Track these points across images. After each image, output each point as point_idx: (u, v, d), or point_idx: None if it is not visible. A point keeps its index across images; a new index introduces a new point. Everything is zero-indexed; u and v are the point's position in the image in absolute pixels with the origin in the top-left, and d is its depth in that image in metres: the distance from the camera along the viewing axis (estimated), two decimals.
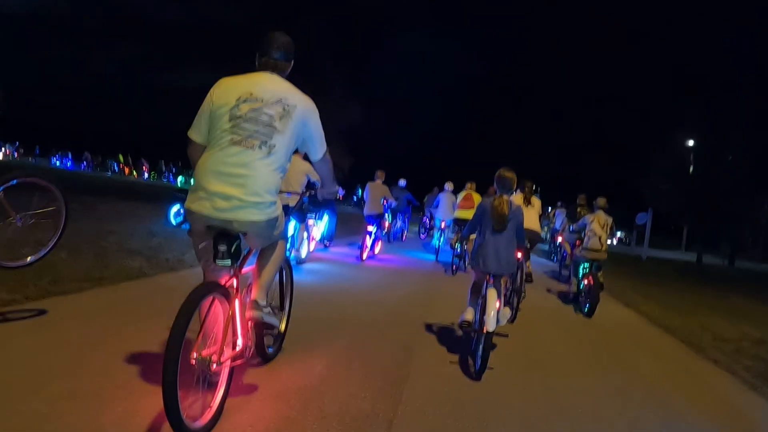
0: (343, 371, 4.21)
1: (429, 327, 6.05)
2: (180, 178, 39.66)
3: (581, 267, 8.64)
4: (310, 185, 8.07)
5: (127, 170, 46.44)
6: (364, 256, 11.24)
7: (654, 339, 7.54)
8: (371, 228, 11.60)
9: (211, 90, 3.13)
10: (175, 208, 12.07)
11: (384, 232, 13.86)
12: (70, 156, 49.77)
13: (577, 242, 9.35)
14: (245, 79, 3.15)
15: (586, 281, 8.29)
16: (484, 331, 4.50)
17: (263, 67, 3.22)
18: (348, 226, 16.78)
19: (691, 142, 26.70)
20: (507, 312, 4.95)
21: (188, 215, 3.04)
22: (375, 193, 11.82)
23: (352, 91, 29.08)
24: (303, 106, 3.18)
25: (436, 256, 13.25)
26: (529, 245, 7.77)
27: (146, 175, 47.15)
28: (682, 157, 27.11)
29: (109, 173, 44.26)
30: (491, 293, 4.73)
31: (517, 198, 7.83)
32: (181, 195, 12.22)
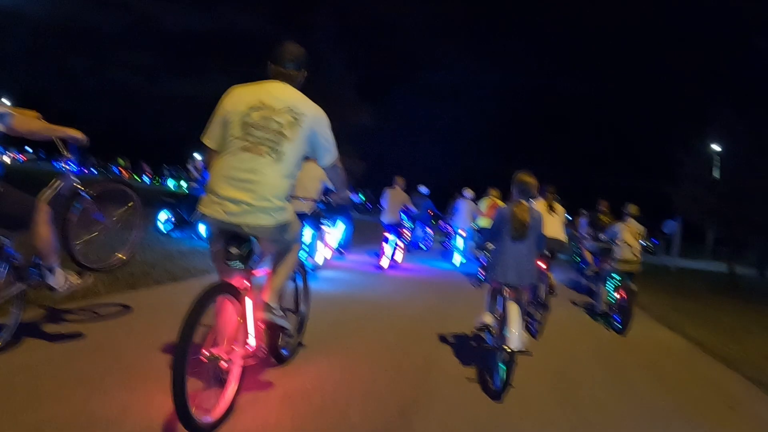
0: (358, 380, 4.18)
1: (447, 339, 5.83)
2: (171, 182, 39.41)
3: (612, 279, 7.74)
4: (326, 191, 7.96)
5: (126, 174, 47.21)
6: (383, 263, 11.05)
7: (707, 370, 6.42)
8: (390, 236, 11.34)
9: (223, 97, 3.28)
10: (163, 215, 11.27)
11: (403, 240, 12.98)
12: (74, 160, 50.01)
13: (608, 260, 8.36)
14: (256, 88, 3.28)
15: (618, 295, 7.40)
16: (506, 348, 4.17)
17: (275, 76, 3.36)
18: (363, 234, 16.23)
19: (720, 147, 25.25)
20: (525, 338, 4.38)
21: (202, 218, 3.18)
22: (394, 200, 11.51)
23: (366, 96, 28.63)
24: (312, 115, 3.29)
25: (456, 266, 12.35)
26: (552, 255, 7.33)
27: (148, 179, 47.24)
28: (711, 162, 25.67)
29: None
30: (513, 308, 4.40)
31: (538, 204, 6.98)
32: (169, 200, 11.65)
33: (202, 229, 10.68)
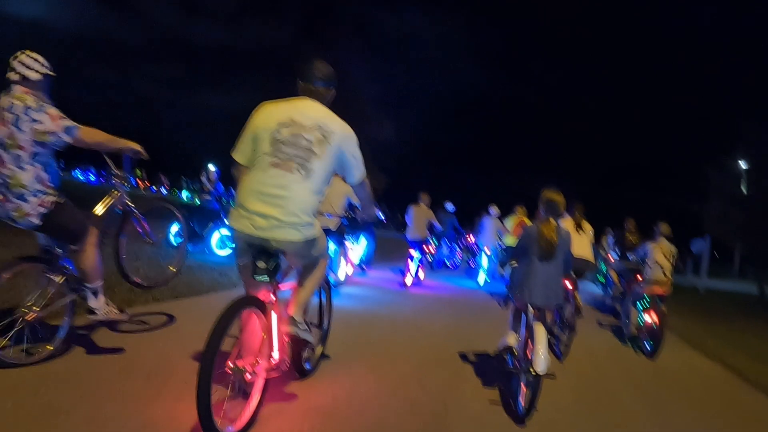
0: (380, 398, 4.15)
1: (470, 359, 5.73)
2: (185, 194, 39.66)
3: (641, 301, 7.39)
4: (350, 207, 7.94)
5: (141, 184, 48.33)
6: (408, 281, 10.92)
7: (748, 400, 6.04)
8: (414, 253, 11.21)
9: (253, 113, 3.33)
10: (174, 227, 10.42)
11: (428, 258, 12.66)
12: (92, 170, 51.62)
13: (638, 276, 7.98)
14: (286, 105, 3.34)
15: (648, 318, 7.03)
16: (532, 371, 4.03)
17: (304, 94, 3.41)
18: (385, 250, 15.75)
19: (748, 163, 24.43)
20: (549, 360, 4.23)
21: (230, 232, 3.27)
22: (419, 217, 11.36)
23: (390, 112, 28.81)
24: (341, 132, 3.34)
25: (480, 285, 12.09)
26: (579, 275, 7.20)
27: (165, 190, 47.95)
28: (740, 178, 24.86)
29: (128, 187, 45.93)
30: (539, 329, 4.23)
31: (566, 222, 6.68)
32: (177, 213, 11.08)
33: (213, 242, 10.57)
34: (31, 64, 3.59)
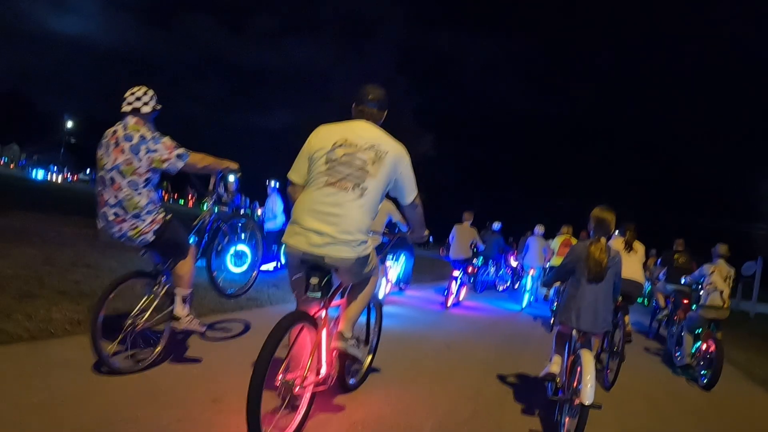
0: (418, 420, 4.09)
1: (512, 384, 5.52)
2: (203, 205, 40.29)
3: (695, 327, 6.90)
4: (391, 226, 7.88)
5: (166, 196, 51.46)
6: (449, 302, 10.64)
7: None
8: (457, 273, 10.96)
9: (310, 136, 3.46)
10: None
11: (470, 278, 12.24)
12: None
13: (685, 300, 7.43)
14: (341, 126, 3.46)
15: (704, 345, 6.49)
16: (577, 402, 3.75)
17: (359, 116, 3.53)
18: (424, 269, 15.39)
19: None
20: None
21: (285, 249, 3.36)
22: (462, 236, 11.11)
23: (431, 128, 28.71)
24: (395, 152, 3.42)
25: (523, 307, 12.08)
26: (629, 298, 6.74)
27: (190, 202, 49.72)
28: None
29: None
30: (586, 356, 3.93)
31: (616, 242, 6.24)
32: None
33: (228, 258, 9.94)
34: (143, 98, 3.95)
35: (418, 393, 4.69)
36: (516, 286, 17.10)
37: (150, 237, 3.92)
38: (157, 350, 4.21)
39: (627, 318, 6.40)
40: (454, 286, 10.75)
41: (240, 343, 5.37)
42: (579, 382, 3.83)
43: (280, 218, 11.34)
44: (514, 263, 16.64)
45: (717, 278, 7.23)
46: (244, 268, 5.95)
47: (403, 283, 11.53)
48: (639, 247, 7.06)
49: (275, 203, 11.25)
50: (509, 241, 17.00)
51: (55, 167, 64.80)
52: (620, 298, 6.14)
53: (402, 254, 10.98)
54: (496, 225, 15.08)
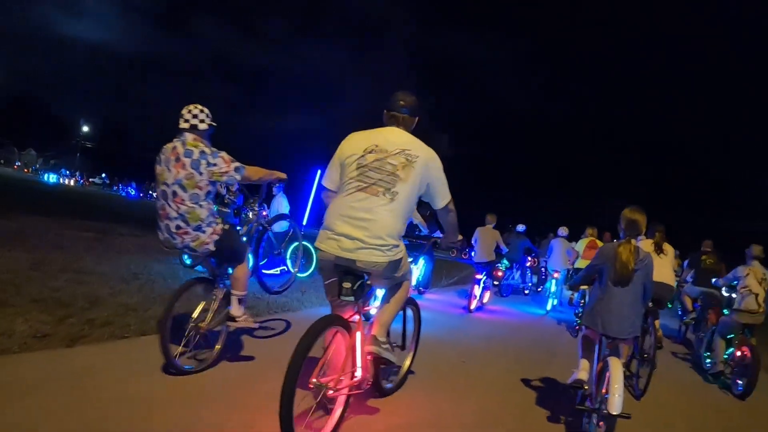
0: (447, 427, 4.08)
1: (537, 390, 5.39)
2: (248, 211, 40.08)
3: (728, 332, 6.62)
4: (411, 228, 7.91)
5: None
6: (472, 306, 10.49)
7: None
8: (480, 276, 10.80)
9: (342, 143, 3.51)
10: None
11: (494, 282, 11.96)
12: (134, 185, 54.39)
13: (715, 312, 7.10)
14: (372, 133, 3.50)
15: (738, 352, 6.20)
16: (605, 411, 3.62)
17: (390, 122, 3.57)
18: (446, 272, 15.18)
19: None
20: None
21: (317, 254, 3.40)
22: (485, 239, 10.96)
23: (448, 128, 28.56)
24: (425, 157, 3.44)
25: (549, 311, 12.01)
26: (660, 302, 6.50)
27: None
28: None
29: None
30: (615, 364, 3.77)
31: (644, 244, 5.97)
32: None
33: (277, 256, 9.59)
34: (199, 116, 4.18)
35: (444, 399, 4.62)
36: (539, 289, 16.77)
37: (211, 247, 4.19)
38: (216, 350, 4.47)
39: (657, 323, 6.14)
40: (477, 290, 10.62)
41: (286, 340, 5.53)
42: (607, 391, 3.69)
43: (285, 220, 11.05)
44: (535, 263, 16.34)
45: (752, 281, 6.97)
46: (288, 267, 6.41)
47: (422, 287, 11.42)
48: (669, 249, 6.85)
49: (281, 204, 11.06)
50: (535, 242, 16.59)
51: (68, 171, 65.89)
52: (651, 302, 5.90)
53: (421, 258, 10.87)
54: (521, 227, 14.75)
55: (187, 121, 4.14)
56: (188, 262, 9.29)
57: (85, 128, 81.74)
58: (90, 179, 69.56)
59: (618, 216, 4.39)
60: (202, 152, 4.05)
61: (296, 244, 6.19)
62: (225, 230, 4.26)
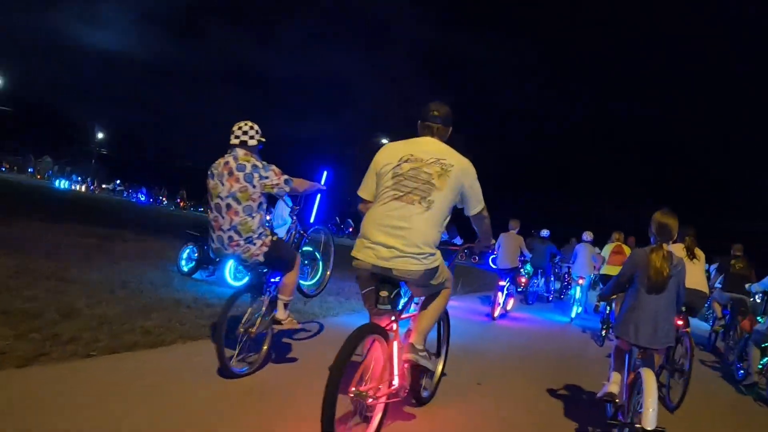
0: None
1: (568, 402, 5.23)
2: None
3: (762, 341, 6.60)
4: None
5: (183, 204, 52.89)
6: (496, 313, 10.36)
7: None
8: (503, 283, 10.69)
9: (377, 153, 3.58)
10: (188, 251, 9.26)
11: (519, 289, 11.77)
12: (144, 191, 55.26)
13: (742, 309, 6.85)
14: (407, 143, 3.57)
15: None
16: (638, 426, 3.45)
17: (424, 132, 3.61)
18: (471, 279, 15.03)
19: None
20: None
21: (354, 263, 3.43)
22: (509, 245, 10.86)
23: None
24: (460, 166, 3.48)
25: (573, 318, 11.87)
26: (692, 310, 6.28)
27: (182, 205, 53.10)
28: None
29: (173, 207, 51.13)
30: (648, 376, 3.61)
31: (675, 249, 5.73)
32: (194, 234, 9.36)
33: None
34: (249, 132, 4.36)
35: (472, 409, 4.60)
36: (562, 296, 16.43)
37: (261, 258, 4.39)
38: (263, 351, 4.64)
39: (688, 331, 5.91)
40: (500, 297, 10.50)
41: (323, 342, 5.87)
42: (640, 405, 3.55)
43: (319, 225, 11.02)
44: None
45: None
46: (319, 271, 6.52)
47: None
48: (700, 254, 6.55)
49: (284, 209, 10.86)
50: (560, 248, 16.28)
51: (79, 177, 66.68)
52: (684, 309, 5.68)
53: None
54: (545, 232, 14.54)
55: (237, 137, 4.34)
56: (185, 269, 9.14)
57: (101, 135, 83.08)
58: (102, 185, 70.47)
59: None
60: (254, 166, 4.27)
61: (307, 249, 6.11)
62: (274, 241, 4.45)
